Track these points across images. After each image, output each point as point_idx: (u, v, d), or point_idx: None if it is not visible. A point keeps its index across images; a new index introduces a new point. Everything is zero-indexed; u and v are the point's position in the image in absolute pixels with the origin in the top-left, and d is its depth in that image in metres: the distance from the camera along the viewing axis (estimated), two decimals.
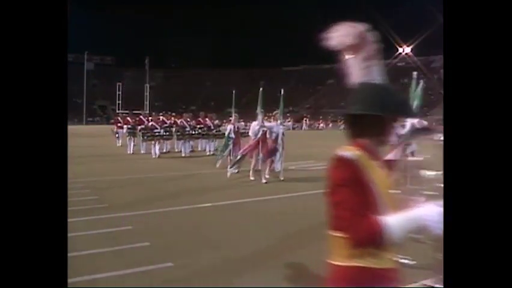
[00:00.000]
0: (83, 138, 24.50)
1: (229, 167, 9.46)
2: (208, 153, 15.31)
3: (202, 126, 15.59)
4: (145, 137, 15.15)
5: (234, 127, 10.52)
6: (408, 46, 64.07)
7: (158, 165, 12.26)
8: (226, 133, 10.66)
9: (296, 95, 72.82)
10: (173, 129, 15.45)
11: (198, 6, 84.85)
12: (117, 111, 63.29)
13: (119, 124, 19.51)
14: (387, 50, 63.55)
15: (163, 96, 70.98)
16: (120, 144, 18.31)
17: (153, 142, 14.56)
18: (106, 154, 15.34)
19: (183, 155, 14.87)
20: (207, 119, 16.23)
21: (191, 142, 15.86)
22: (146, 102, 62.38)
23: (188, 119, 15.50)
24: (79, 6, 60.70)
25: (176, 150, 15.80)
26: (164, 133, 15.10)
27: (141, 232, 4.86)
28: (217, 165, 10.34)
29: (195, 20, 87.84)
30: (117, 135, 19.46)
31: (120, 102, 62.89)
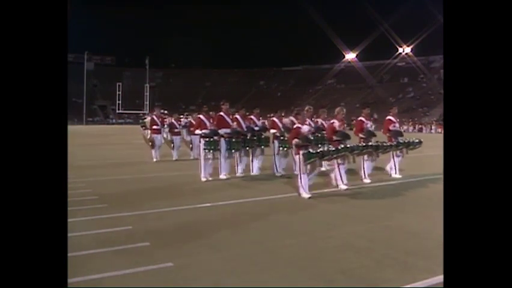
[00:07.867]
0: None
1: None
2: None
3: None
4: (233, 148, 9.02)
5: None
6: (408, 46, 63.98)
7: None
8: None
9: (296, 95, 72.80)
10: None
11: (198, 6, 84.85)
12: (117, 111, 63.50)
13: (155, 127, 12.67)
14: (387, 50, 63.60)
15: (163, 96, 70.97)
16: (156, 159, 12.47)
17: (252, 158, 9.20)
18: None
19: (277, 173, 9.53)
20: (318, 119, 10.08)
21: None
22: (146, 102, 62.44)
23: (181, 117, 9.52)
24: (79, 6, 60.70)
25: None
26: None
27: (141, 232, 4.86)
28: None
29: (195, 20, 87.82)
30: (150, 144, 12.67)
31: (120, 102, 62.98)
